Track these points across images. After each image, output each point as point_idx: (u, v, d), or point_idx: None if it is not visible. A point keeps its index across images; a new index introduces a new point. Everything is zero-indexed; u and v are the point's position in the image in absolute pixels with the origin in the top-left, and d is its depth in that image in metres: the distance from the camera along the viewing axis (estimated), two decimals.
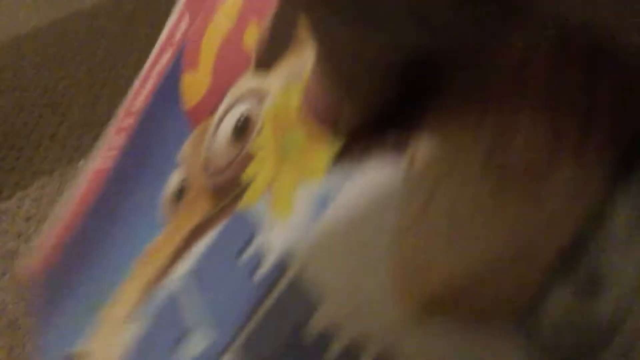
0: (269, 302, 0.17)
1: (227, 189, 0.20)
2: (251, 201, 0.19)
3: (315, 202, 0.17)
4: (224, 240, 0.19)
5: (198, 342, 0.18)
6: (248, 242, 0.18)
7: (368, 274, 0.15)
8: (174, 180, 0.23)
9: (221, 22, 0.25)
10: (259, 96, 0.21)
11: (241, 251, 0.18)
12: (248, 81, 0.22)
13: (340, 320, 0.15)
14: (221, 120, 0.22)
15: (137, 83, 0.28)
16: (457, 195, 0.14)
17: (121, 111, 0.28)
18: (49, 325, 0.25)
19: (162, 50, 0.27)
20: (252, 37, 0.22)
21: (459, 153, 0.14)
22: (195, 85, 0.24)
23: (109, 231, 0.25)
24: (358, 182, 0.16)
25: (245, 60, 0.22)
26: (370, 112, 0.16)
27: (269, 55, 0.21)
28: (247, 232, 0.18)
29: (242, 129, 0.21)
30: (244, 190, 0.20)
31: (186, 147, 0.23)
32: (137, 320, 0.21)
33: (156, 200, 0.23)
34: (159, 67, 0.27)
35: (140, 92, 0.27)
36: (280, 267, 0.17)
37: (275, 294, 0.17)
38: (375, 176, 0.16)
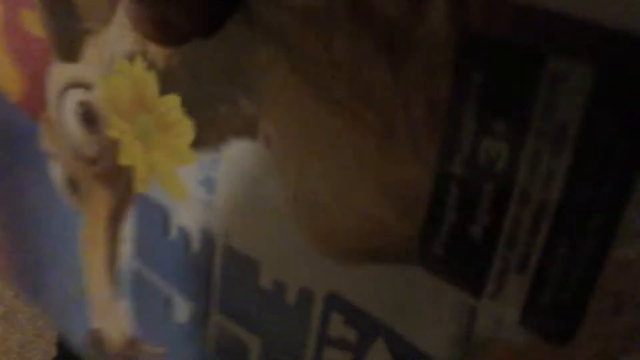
0: (217, 270, 0.20)
1: (114, 177, 0.21)
2: (145, 187, 0.21)
3: (203, 184, 0.19)
4: (145, 224, 0.21)
5: (182, 308, 0.22)
6: (165, 223, 0.20)
7: (285, 236, 0.17)
8: (56, 173, 0.24)
9: None
10: (84, 85, 0.21)
11: (166, 231, 0.21)
12: (63, 71, 0.21)
13: (283, 275, 0.18)
14: (59, 111, 0.22)
15: None
16: (321, 166, 0.16)
17: None
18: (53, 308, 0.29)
19: None
20: (33, 24, 0.21)
21: (305, 126, 0.16)
22: (5, 79, 0.23)
23: (39, 230, 0.26)
24: (229, 163, 0.18)
25: (41, 49, 0.21)
26: (199, 21, 0.16)
27: (70, 51, 0.20)
28: (159, 214, 0.20)
29: (88, 116, 0.21)
30: (130, 176, 0.21)
31: (47, 141, 0.23)
32: (122, 298, 0.24)
33: (54, 192, 0.24)
34: None
35: None
36: (208, 242, 0.19)
37: (217, 262, 0.20)
38: (243, 157, 0.17)
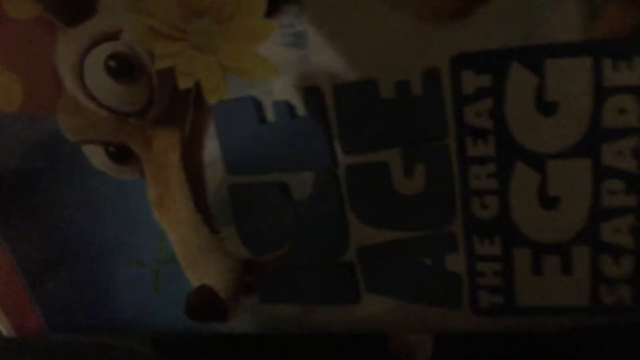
0: (332, 114, 0.21)
1: (174, 111, 0.21)
2: (220, 94, 0.21)
3: (291, 44, 0.20)
4: (233, 130, 0.22)
5: (302, 185, 0.22)
6: (258, 111, 0.21)
7: (393, 35, 0.19)
8: (94, 153, 0.23)
9: None
10: (109, 36, 0.20)
11: (261, 118, 0.21)
12: (77, 36, 0.20)
13: (402, 74, 0.20)
14: (84, 81, 0.21)
15: None
16: None
17: None
18: None
19: None
20: (18, 6, 0.19)
21: None
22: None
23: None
24: (313, 7, 0.19)
25: (39, 29, 0.20)
26: None
27: (81, 8, 0.19)
28: (248, 107, 0.21)
29: (124, 67, 0.20)
30: (193, 98, 0.21)
31: (71, 128, 0.22)
32: (223, 228, 0.24)
33: (96, 177, 0.23)
34: None
35: None
36: (315, 95, 0.20)
37: (331, 106, 0.21)
38: None
